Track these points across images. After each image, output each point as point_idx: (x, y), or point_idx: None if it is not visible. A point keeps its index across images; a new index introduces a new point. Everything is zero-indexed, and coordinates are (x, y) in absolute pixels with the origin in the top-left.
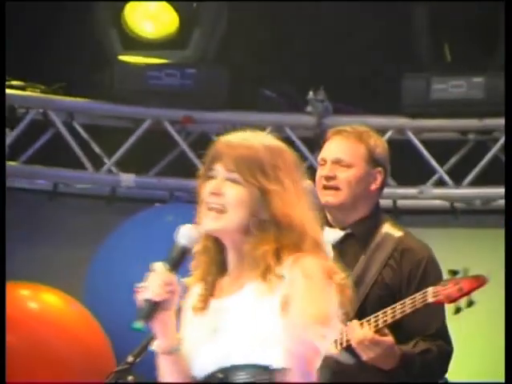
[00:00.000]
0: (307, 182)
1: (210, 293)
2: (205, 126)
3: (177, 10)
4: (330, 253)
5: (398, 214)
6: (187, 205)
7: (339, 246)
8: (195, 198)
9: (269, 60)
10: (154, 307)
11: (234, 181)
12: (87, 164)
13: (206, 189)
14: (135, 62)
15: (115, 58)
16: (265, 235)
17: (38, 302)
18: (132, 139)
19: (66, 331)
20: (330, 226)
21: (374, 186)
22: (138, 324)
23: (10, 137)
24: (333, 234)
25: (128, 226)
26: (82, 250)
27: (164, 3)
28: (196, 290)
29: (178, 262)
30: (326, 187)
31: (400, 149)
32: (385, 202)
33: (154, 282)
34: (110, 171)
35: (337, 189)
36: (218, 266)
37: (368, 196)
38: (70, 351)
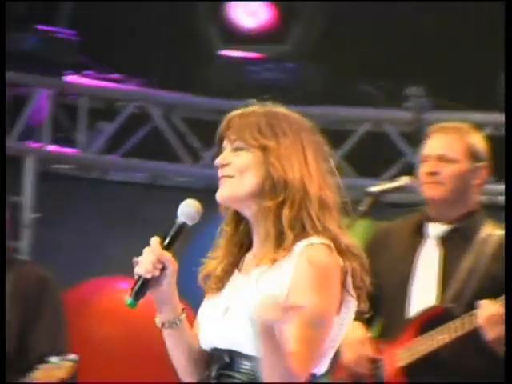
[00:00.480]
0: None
1: (227, 273)
2: None
3: (277, 4)
4: None
5: (498, 211)
6: None
7: (444, 240)
8: None
9: (368, 55)
10: (144, 284)
11: (237, 149)
12: (185, 157)
13: (216, 162)
14: (234, 56)
15: (214, 53)
16: (268, 197)
17: None
18: None
19: None
20: (435, 220)
21: (476, 182)
22: (129, 300)
23: (109, 130)
24: (438, 229)
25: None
26: (179, 243)
27: None
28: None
29: (175, 238)
30: (429, 182)
31: (499, 145)
32: (484, 198)
33: (147, 259)
34: (207, 165)
35: (441, 184)
36: (241, 243)
37: (471, 191)
38: None
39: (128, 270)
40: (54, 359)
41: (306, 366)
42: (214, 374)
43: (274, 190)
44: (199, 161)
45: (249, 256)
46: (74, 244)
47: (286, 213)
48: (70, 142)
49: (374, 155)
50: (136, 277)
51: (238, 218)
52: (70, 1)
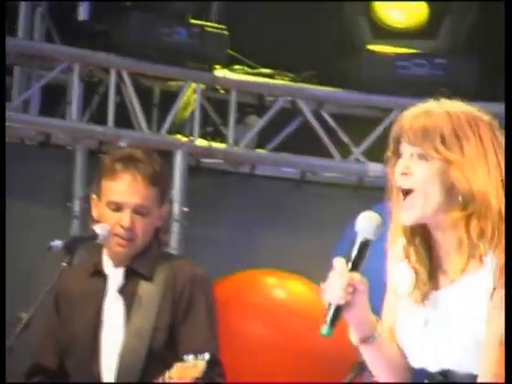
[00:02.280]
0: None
1: (423, 283)
2: None
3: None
4: None
5: None
6: None
7: None
8: None
9: None
10: (338, 310)
11: (419, 156)
12: (335, 153)
13: (397, 169)
14: (384, 51)
15: (364, 47)
16: (456, 209)
17: (285, 290)
18: (380, 129)
19: (316, 322)
20: None
21: None
22: (325, 329)
23: (259, 125)
24: None
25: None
26: (327, 238)
27: None
28: (408, 277)
29: (359, 258)
30: None
31: None
32: None
33: (336, 285)
34: (357, 160)
35: None
36: (428, 253)
37: None
38: (322, 344)
39: (274, 263)
40: (190, 357)
41: None
42: None
43: (461, 202)
44: (349, 156)
45: (439, 266)
46: (223, 237)
47: (474, 224)
48: (219, 137)
49: None
50: (327, 304)
51: (415, 232)
52: None
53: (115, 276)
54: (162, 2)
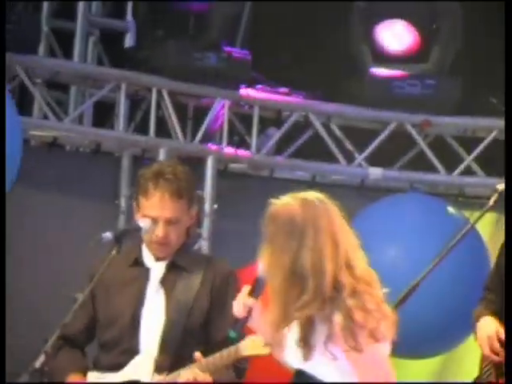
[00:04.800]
0: None
1: None
2: (441, 129)
3: (419, 29)
4: None
5: None
6: (424, 195)
7: None
8: (431, 190)
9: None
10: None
11: None
12: (341, 159)
13: None
14: (383, 73)
15: (366, 70)
16: None
17: None
18: (379, 139)
19: None
20: None
21: None
22: (232, 334)
23: (277, 135)
24: None
25: (372, 210)
26: None
27: (408, 24)
28: None
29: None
30: None
31: None
32: None
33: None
34: (360, 165)
35: None
36: None
37: None
38: None
39: None
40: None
41: None
42: None
43: None
44: (353, 162)
45: None
46: (246, 231)
47: None
48: (243, 145)
49: (501, 157)
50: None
51: None
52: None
53: (157, 268)
54: (196, 31)
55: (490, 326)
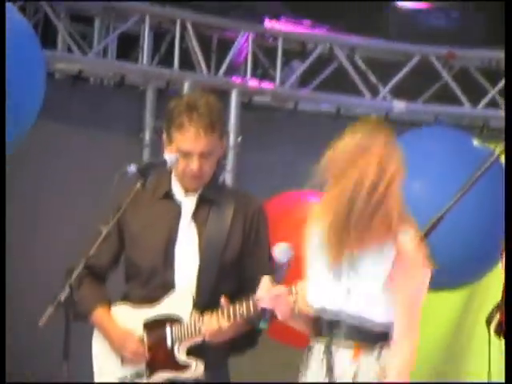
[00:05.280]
0: None
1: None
2: (465, 61)
3: None
4: None
5: None
6: (448, 128)
7: None
8: (456, 122)
9: None
10: (269, 312)
11: None
12: (365, 92)
13: None
14: (407, 6)
15: (391, 2)
16: None
17: None
18: (404, 71)
19: None
20: None
21: None
22: (263, 324)
23: (301, 68)
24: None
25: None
26: None
27: None
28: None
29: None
30: None
31: None
32: None
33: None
34: (384, 98)
35: None
36: None
37: None
38: None
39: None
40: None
41: None
42: None
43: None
44: (377, 95)
45: None
46: (271, 163)
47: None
48: (268, 78)
49: None
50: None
51: None
52: None
53: (187, 203)
54: None
55: None
